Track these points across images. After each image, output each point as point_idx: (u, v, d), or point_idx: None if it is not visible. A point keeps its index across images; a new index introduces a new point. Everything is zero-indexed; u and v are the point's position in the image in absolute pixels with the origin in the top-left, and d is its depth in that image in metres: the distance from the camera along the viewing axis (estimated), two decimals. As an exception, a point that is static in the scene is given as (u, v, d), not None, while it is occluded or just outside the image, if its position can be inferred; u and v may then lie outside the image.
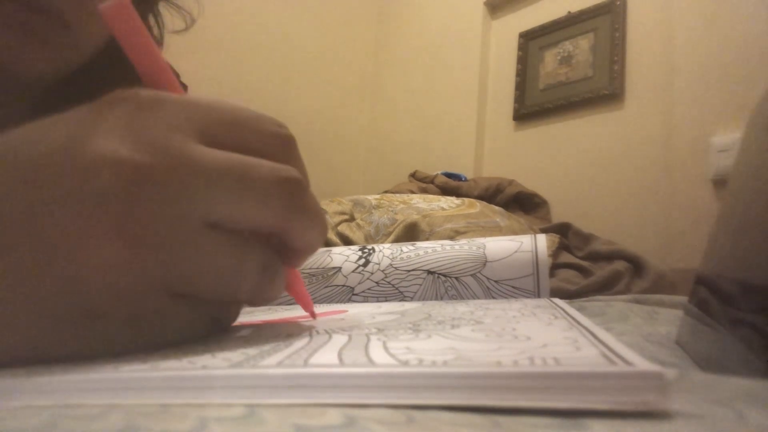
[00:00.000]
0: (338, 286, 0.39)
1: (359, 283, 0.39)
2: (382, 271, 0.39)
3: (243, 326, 0.22)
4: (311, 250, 0.19)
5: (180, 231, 0.14)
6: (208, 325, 0.18)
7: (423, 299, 0.37)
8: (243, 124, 0.17)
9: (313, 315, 0.23)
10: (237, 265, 0.16)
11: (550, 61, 1.51)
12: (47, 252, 0.14)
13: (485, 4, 1.71)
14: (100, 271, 0.14)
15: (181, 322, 0.16)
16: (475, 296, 0.36)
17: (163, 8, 0.43)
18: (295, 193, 0.17)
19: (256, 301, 0.18)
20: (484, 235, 0.69)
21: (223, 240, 0.15)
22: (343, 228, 0.83)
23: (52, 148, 0.14)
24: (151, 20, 0.42)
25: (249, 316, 0.28)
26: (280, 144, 0.18)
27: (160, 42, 0.44)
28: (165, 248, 0.14)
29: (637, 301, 0.36)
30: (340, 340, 0.15)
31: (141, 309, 0.15)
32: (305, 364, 0.11)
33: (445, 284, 0.37)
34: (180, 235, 0.14)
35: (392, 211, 0.84)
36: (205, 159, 0.15)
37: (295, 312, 0.29)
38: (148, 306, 0.15)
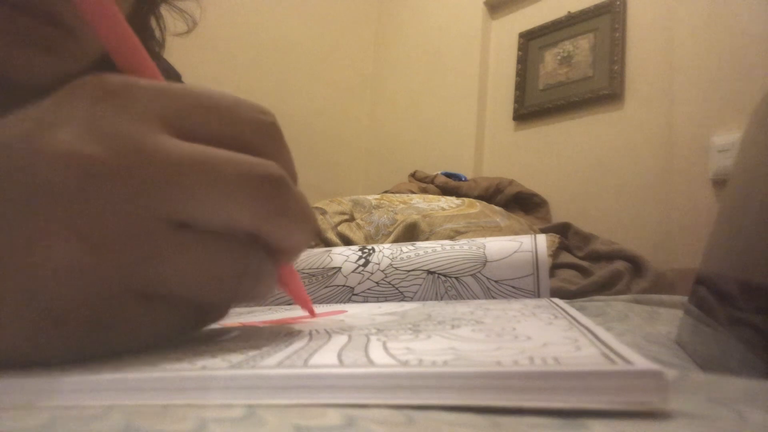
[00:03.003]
0: (338, 286, 0.39)
1: (359, 283, 0.39)
2: (382, 271, 0.39)
3: (238, 327, 0.22)
4: (297, 251, 0.17)
5: (140, 230, 0.13)
6: (189, 326, 0.16)
7: (423, 299, 0.37)
8: (219, 111, 0.15)
9: (313, 313, 0.23)
10: (213, 266, 0.14)
11: (550, 61, 1.51)
12: (2, 253, 0.13)
13: (485, 4, 1.71)
14: (56, 273, 0.13)
15: (156, 323, 0.15)
16: (475, 296, 0.36)
17: (164, 11, 0.43)
18: (272, 191, 0.15)
19: (242, 301, 0.17)
20: (484, 235, 0.69)
21: (193, 240, 0.14)
22: (343, 228, 0.83)
23: (9, 142, 0.13)
24: (153, 23, 0.42)
25: (249, 316, 0.28)
26: (261, 133, 0.16)
27: (161, 44, 0.44)
28: (125, 249, 0.13)
29: (637, 301, 0.36)
30: (339, 340, 0.15)
31: (106, 312, 0.14)
32: (305, 364, 0.11)
33: (445, 284, 0.37)
34: (141, 234, 0.13)
35: (392, 211, 0.84)
36: (169, 152, 0.14)
37: (296, 312, 0.29)
38: (114, 309, 0.14)
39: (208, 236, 0.14)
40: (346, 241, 0.80)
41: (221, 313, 0.19)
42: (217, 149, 0.15)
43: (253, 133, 0.16)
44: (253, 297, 0.16)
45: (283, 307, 0.36)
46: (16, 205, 0.13)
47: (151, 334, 0.15)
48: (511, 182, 1.38)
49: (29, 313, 0.13)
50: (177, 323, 0.16)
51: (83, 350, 0.14)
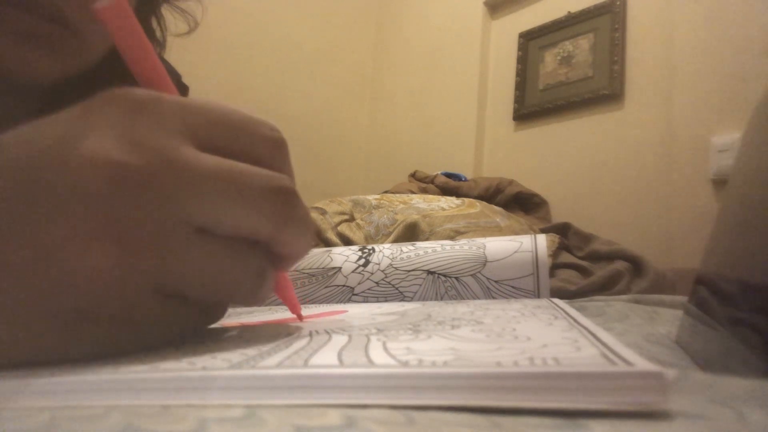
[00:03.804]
0: (338, 286, 0.39)
1: (359, 283, 0.39)
2: (382, 271, 0.39)
3: (238, 327, 0.22)
4: (298, 257, 0.19)
5: (168, 234, 0.14)
6: (195, 324, 0.18)
7: (423, 299, 0.37)
8: (237, 127, 0.17)
9: (300, 318, 0.24)
10: (226, 270, 0.16)
11: (550, 61, 1.51)
12: (36, 253, 0.13)
13: (485, 4, 1.72)
14: (89, 272, 0.14)
15: (170, 322, 0.16)
16: (475, 296, 0.36)
17: (165, 11, 0.43)
18: (286, 203, 0.17)
19: (245, 304, 0.18)
20: (484, 235, 0.69)
21: (212, 244, 0.15)
22: (343, 228, 0.83)
23: (43, 148, 0.14)
24: (154, 23, 0.42)
25: (248, 316, 0.28)
26: (272, 148, 0.18)
27: (162, 45, 0.44)
28: (153, 251, 0.14)
29: (637, 301, 0.36)
30: (340, 340, 0.15)
31: (131, 310, 0.15)
32: (305, 364, 0.11)
33: (445, 284, 0.37)
34: (168, 238, 0.14)
35: (392, 211, 0.84)
36: (196, 163, 0.15)
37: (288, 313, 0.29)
38: (138, 307, 0.15)
39: (224, 240, 0.16)
40: (346, 241, 0.80)
41: (223, 312, 0.20)
42: (238, 162, 0.16)
43: (265, 147, 0.17)
44: (257, 298, 0.17)
45: (282, 307, 0.36)
46: (52, 208, 0.14)
47: (168, 331, 0.16)
48: (511, 182, 1.38)
49: (62, 311, 0.14)
50: (190, 321, 0.17)
51: (109, 347, 0.15)
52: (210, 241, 0.15)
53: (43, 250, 0.13)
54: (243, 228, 0.16)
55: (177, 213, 0.14)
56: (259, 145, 0.17)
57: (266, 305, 0.38)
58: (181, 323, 0.17)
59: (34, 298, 0.14)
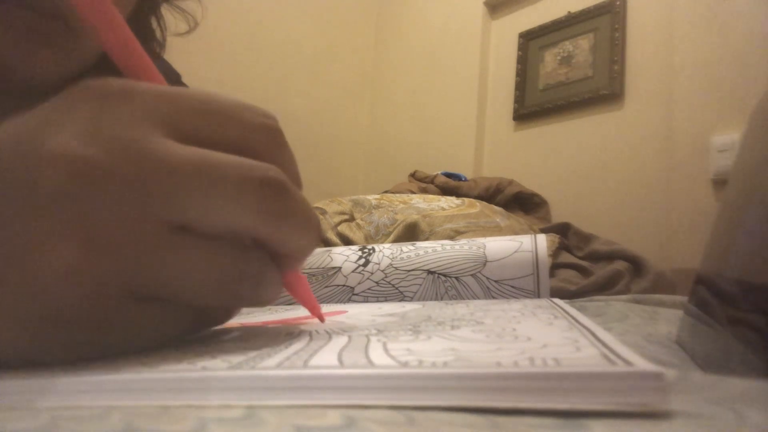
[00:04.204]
0: (338, 286, 0.39)
1: (359, 283, 0.39)
2: (382, 271, 0.39)
3: (239, 328, 0.22)
4: (302, 255, 0.17)
5: (140, 233, 0.13)
6: (189, 327, 0.17)
7: (423, 299, 0.37)
8: (221, 115, 0.15)
9: (322, 319, 0.22)
10: (212, 271, 0.14)
11: (550, 61, 1.51)
12: (1, 254, 0.13)
13: (485, 4, 1.71)
14: (55, 273, 0.13)
15: (154, 326, 0.15)
16: (475, 296, 0.36)
17: (165, 11, 0.43)
18: (275, 196, 0.15)
19: (245, 305, 0.17)
20: (484, 235, 0.69)
21: (193, 244, 0.14)
22: (343, 228, 0.83)
23: (10, 144, 0.13)
24: (154, 23, 0.42)
25: (249, 317, 0.28)
26: (264, 137, 0.16)
27: (162, 45, 0.44)
28: (125, 252, 0.13)
29: (637, 301, 0.36)
30: (339, 341, 0.15)
31: (105, 314, 0.14)
32: (305, 365, 0.11)
33: (445, 284, 0.37)
34: (141, 238, 0.13)
35: (392, 211, 0.84)
36: (169, 155, 0.14)
37: (296, 312, 0.29)
38: (113, 311, 0.14)
39: (207, 240, 0.14)
40: (346, 241, 0.80)
41: (226, 316, 0.19)
42: (217, 153, 0.14)
43: (255, 136, 0.16)
44: (257, 301, 0.16)
45: (283, 307, 0.36)
46: (16, 207, 0.13)
47: (151, 336, 0.15)
48: (511, 182, 1.38)
49: (30, 314, 0.13)
50: (177, 325, 0.16)
51: (83, 351, 0.14)
52: (189, 240, 0.14)
53: (10, 253, 0.13)
54: (226, 225, 0.14)
55: (150, 210, 0.13)
56: (247, 135, 0.16)
57: (260, 308, 0.38)
58: (170, 327, 0.16)
59: (4, 303, 0.13)
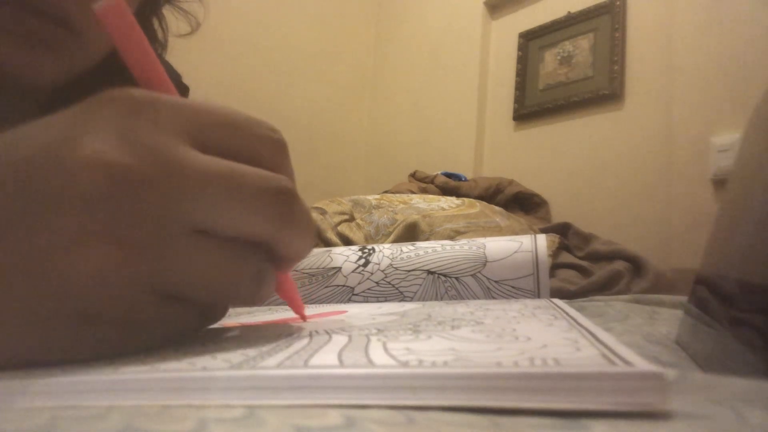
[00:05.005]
0: (338, 286, 0.39)
1: (359, 283, 0.39)
2: (382, 271, 0.39)
3: (239, 327, 0.22)
4: (299, 258, 0.19)
5: (166, 235, 0.14)
6: (195, 325, 0.18)
7: (423, 299, 0.37)
8: (236, 127, 0.17)
9: (304, 318, 0.23)
10: (226, 271, 0.16)
11: (550, 61, 1.51)
12: (37, 254, 0.13)
13: (485, 4, 1.71)
14: (89, 273, 0.14)
15: (169, 323, 0.16)
16: (475, 296, 0.36)
17: (167, 11, 0.43)
18: (285, 204, 0.16)
19: (247, 304, 0.18)
20: (484, 235, 0.69)
21: (211, 246, 0.15)
22: (343, 228, 0.83)
23: (41, 149, 0.14)
24: (156, 23, 0.42)
25: (248, 317, 0.28)
26: (272, 149, 0.17)
27: (164, 45, 0.44)
28: (152, 252, 0.14)
29: (637, 301, 0.36)
30: (340, 340, 0.15)
31: (132, 311, 0.15)
32: (305, 365, 0.11)
33: (445, 284, 0.37)
34: (166, 239, 0.14)
35: (392, 211, 0.84)
36: (195, 164, 0.15)
37: (290, 313, 0.29)
38: (140, 308, 0.15)
39: (223, 242, 0.16)
40: (346, 241, 0.80)
41: (222, 313, 0.20)
42: (236, 163, 0.16)
43: (265, 148, 0.17)
44: (255, 299, 0.17)
45: (282, 307, 0.36)
46: (50, 209, 0.14)
47: (168, 332, 0.16)
48: (511, 182, 1.38)
49: (62, 313, 0.14)
50: (189, 322, 0.17)
51: (110, 348, 0.15)
52: (208, 242, 0.15)
53: (40, 252, 0.13)
54: (241, 229, 0.16)
55: (175, 214, 0.14)
56: (258, 146, 0.17)
57: (266, 305, 0.38)
58: (181, 324, 0.17)
59: (33, 300, 0.14)
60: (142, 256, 0.14)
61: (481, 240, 0.40)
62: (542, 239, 0.38)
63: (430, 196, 0.99)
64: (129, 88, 0.16)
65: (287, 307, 0.34)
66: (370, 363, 0.11)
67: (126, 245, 0.14)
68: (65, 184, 0.14)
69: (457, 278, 0.37)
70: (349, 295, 0.39)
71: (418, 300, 0.37)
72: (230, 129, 0.17)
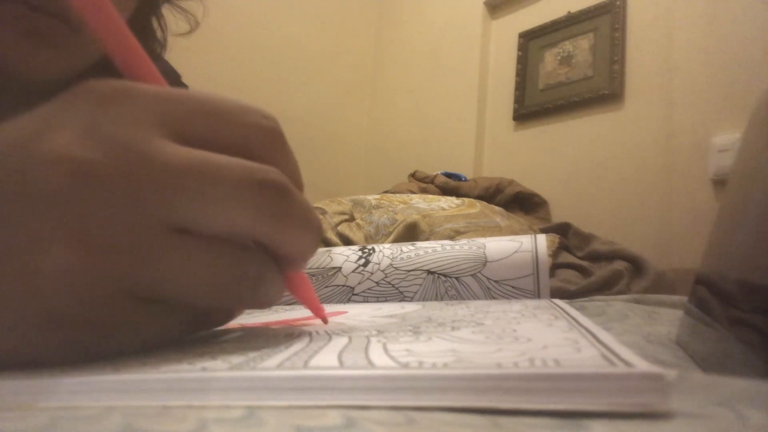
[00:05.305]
0: (338, 286, 0.39)
1: (359, 283, 0.39)
2: (382, 271, 0.39)
3: (239, 328, 0.22)
4: (303, 257, 0.17)
5: (139, 234, 0.13)
6: (189, 328, 0.17)
7: (423, 299, 0.37)
8: (221, 116, 0.15)
9: (325, 321, 0.22)
10: (213, 272, 0.14)
11: (550, 61, 1.51)
12: (0, 256, 0.13)
13: (485, 4, 1.71)
14: (53, 274, 0.13)
15: (155, 326, 0.15)
16: (475, 296, 0.36)
17: (166, 11, 0.43)
18: (274, 197, 0.15)
19: (247, 307, 0.17)
20: (484, 235, 0.69)
21: (194, 245, 0.14)
22: (343, 228, 0.83)
23: (9, 144, 0.14)
24: (155, 23, 0.42)
25: (249, 317, 0.28)
26: (264, 138, 0.16)
27: (163, 45, 0.44)
28: (123, 253, 0.13)
29: (637, 301, 0.36)
30: (340, 341, 0.15)
31: (104, 315, 0.14)
32: (305, 365, 0.11)
33: (445, 284, 0.37)
34: (139, 238, 0.13)
35: (392, 211, 0.84)
36: (168, 157, 0.14)
37: (296, 313, 0.29)
38: (110, 311, 0.14)
39: (206, 241, 0.14)
40: (346, 241, 0.80)
41: (227, 317, 0.19)
42: (216, 154, 0.14)
43: (256, 138, 0.16)
44: (259, 302, 0.16)
45: (283, 307, 0.36)
46: (15, 209, 0.13)
47: (150, 336, 0.15)
48: (511, 182, 1.38)
49: (28, 315, 0.13)
50: (177, 326, 0.16)
51: (82, 352, 0.14)
52: (189, 241, 0.14)
53: (8, 254, 0.13)
54: (225, 226, 0.14)
55: (148, 211, 0.13)
56: (248, 136, 0.16)
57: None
58: (167, 328, 0.16)
59: (3, 303, 0.13)
60: (112, 256, 0.13)
61: (481, 240, 0.40)
62: (542, 239, 0.38)
63: (430, 196, 0.99)
64: (106, 79, 0.15)
65: (288, 308, 0.34)
66: (371, 364, 0.11)
67: (93, 245, 0.13)
68: (28, 180, 0.13)
69: (457, 278, 0.37)
70: (349, 295, 0.39)
71: (418, 300, 0.37)
72: (215, 118, 0.15)
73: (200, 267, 0.14)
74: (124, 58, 0.16)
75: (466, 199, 0.93)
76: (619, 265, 0.73)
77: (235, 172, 0.14)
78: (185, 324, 0.16)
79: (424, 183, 1.40)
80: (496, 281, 0.36)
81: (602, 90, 1.35)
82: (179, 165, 0.14)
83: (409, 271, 0.38)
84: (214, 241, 0.15)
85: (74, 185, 0.13)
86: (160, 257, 0.14)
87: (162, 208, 0.14)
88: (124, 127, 0.14)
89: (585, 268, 0.72)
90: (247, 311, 0.32)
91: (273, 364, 0.12)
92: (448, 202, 0.89)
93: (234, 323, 0.24)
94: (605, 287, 0.67)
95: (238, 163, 0.15)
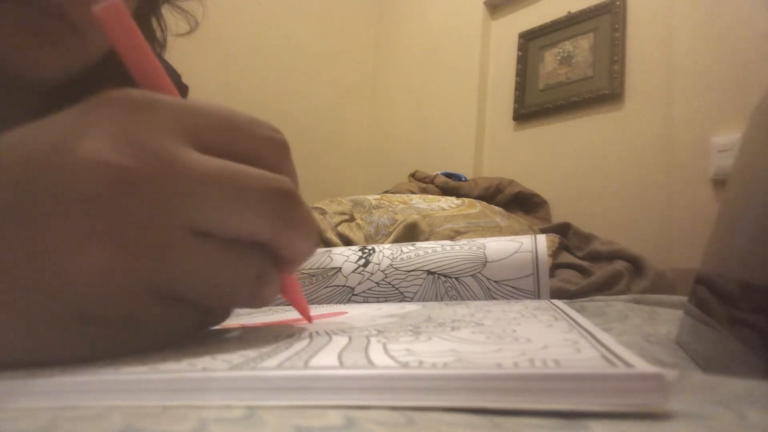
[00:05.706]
0: (338, 286, 0.39)
1: (359, 284, 0.39)
2: (382, 271, 0.39)
3: (239, 328, 0.22)
4: (301, 260, 0.19)
5: (166, 237, 0.14)
6: (197, 326, 0.18)
7: (423, 300, 0.37)
8: (237, 128, 0.17)
9: (310, 320, 0.23)
10: (227, 273, 0.16)
11: (550, 61, 1.51)
12: (36, 255, 0.13)
13: (485, 4, 1.71)
14: (89, 274, 0.14)
15: (171, 324, 0.16)
16: (475, 297, 0.36)
17: (166, 11, 0.43)
18: (286, 205, 0.16)
19: (247, 306, 0.18)
20: (484, 235, 0.69)
21: (212, 247, 0.15)
22: (343, 228, 0.83)
23: (41, 150, 0.14)
24: (154, 23, 0.42)
25: (248, 317, 0.28)
26: (273, 150, 0.17)
27: (163, 45, 0.44)
28: (152, 253, 0.14)
29: (637, 301, 0.36)
30: (340, 341, 0.15)
31: (132, 312, 0.15)
32: (305, 365, 0.11)
33: (445, 284, 0.37)
34: (166, 240, 0.14)
35: (392, 211, 0.84)
36: (195, 165, 0.15)
37: (294, 314, 0.29)
38: (139, 309, 0.15)
39: (224, 244, 0.15)
40: (346, 241, 0.80)
41: (224, 315, 0.20)
42: (235, 164, 0.16)
43: (267, 149, 0.17)
44: (257, 301, 0.17)
45: (282, 308, 0.36)
46: (51, 210, 0.14)
47: (169, 333, 0.16)
48: (511, 182, 1.38)
49: (63, 313, 0.14)
50: (188, 324, 0.17)
51: (109, 348, 0.15)
52: (209, 243, 0.15)
53: (41, 253, 0.13)
54: (242, 231, 0.16)
55: (175, 215, 0.14)
56: (260, 147, 0.17)
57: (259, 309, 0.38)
58: (182, 326, 0.17)
59: (33, 300, 0.14)
60: (143, 258, 0.14)
61: (481, 240, 0.40)
62: (542, 239, 0.38)
63: (430, 196, 0.99)
64: (128, 88, 0.16)
65: (287, 308, 0.34)
66: (371, 364, 0.11)
67: (126, 246, 0.14)
68: (65, 185, 0.14)
69: (457, 278, 0.37)
70: (349, 295, 0.39)
71: (418, 300, 0.37)
72: (231, 130, 0.17)
73: (218, 267, 0.15)
74: (143, 71, 0.17)
75: (466, 200, 0.93)
76: (619, 265, 0.73)
77: (254, 181, 0.16)
78: (194, 322, 0.17)
79: (424, 183, 1.40)
80: (496, 281, 0.36)
81: (602, 90, 1.35)
82: (204, 173, 0.15)
83: (409, 271, 0.38)
84: (229, 242, 0.16)
85: (110, 189, 0.14)
86: (185, 258, 0.15)
87: (188, 212, 0.15)
88: (154, 136, 0.15)
89: (585, 268, 0.72)
90: (247, 311, 0.32)
91: (273, 364, 0.12)
92: (448, 202, 0.89)
93: (234, 323, 0.24)
94: (605, 287, 0.67)
95: (255, 172, 0.16)
